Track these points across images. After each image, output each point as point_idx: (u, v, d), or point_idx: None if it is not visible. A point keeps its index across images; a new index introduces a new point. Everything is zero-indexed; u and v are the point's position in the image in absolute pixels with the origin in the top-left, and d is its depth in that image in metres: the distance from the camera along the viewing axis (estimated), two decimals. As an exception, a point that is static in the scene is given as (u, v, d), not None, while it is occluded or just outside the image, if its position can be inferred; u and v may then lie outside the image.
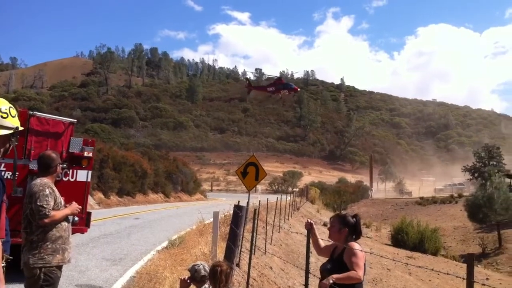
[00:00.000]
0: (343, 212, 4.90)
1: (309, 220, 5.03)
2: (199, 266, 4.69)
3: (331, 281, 4.16)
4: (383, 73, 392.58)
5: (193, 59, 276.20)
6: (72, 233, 5.39)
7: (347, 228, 4.61)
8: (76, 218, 5.38)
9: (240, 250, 9.54)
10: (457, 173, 79.72)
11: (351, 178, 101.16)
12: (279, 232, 18.21)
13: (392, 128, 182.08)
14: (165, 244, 12.79)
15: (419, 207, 54.70)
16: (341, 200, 58.12)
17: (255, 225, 10.40)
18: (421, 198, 58.97)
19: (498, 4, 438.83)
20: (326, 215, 35.20)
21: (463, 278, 3.19)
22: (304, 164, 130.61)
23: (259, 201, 16.47)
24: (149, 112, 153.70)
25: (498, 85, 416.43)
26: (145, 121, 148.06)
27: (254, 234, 9.74)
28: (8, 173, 7.28)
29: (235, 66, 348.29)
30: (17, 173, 7.54)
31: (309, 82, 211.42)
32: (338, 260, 4.49)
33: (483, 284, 5.13)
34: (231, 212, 8.62)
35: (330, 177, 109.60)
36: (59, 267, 4.82)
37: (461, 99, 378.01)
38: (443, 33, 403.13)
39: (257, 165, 12.61)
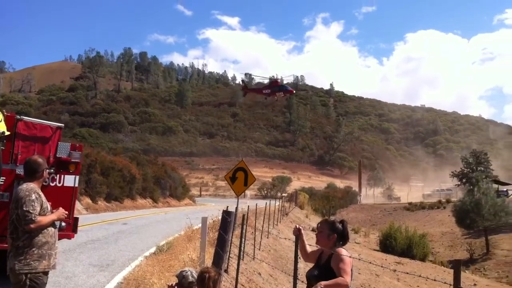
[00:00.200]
0: (331, 218, 4.89)
1: (297, 226, 5.02)
2: (186, 272, 4.67)
3: (320, 288, 4.15)
4: (372, 79, 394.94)
5: (182, 64, 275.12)
6: (59, 239, 5.36)
7: (336, 234, 4.61)
8: (63, 224, 5.35)
9: (229, 256, 9.51)
10: (445, 179, 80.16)
11: (340, 183, 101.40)
12: (267, 237, 18.19)
13: (381, 133, 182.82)
14: (153, 250, 12.73)
15: (407, 212, 54.96)
16: (330, 205, 58.22)
17: (244, 231, 10.39)
18: (410, 203, 59.28)
19: (486, 10, 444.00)
20: (315, 221, 35.21)
21: (450, 284, 3.20)
22: (293, 169, 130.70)
23: (248, 206, 16.46)
24: (138, 116, 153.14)
25: (486, 91, 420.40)
26: (133, 126, 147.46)
27: (243, 239, 9.72)
28: (-6, 178, 7.21)
29: (225, 70, 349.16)
30: (4, 178, 7.47)
31: (298, 87, 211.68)
32: (325, 266, 4.48)
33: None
34: (220, 217, 8.60)
35: (319, 182, 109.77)
36: (46, 273, 4.79)
37: (449, 105, 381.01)
38: (432, 39, 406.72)
39: (246, 170, 12.60)
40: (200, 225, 11.40)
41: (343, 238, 4.65)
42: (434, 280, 4.41)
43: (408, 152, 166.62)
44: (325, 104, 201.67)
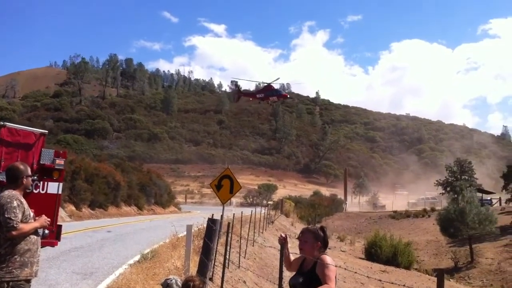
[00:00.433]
0: (313, 227, 4.90)
1: (282, 235, 5.02)
2: (171, 281, 4.64)
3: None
4: (358, 87, 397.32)
5: (168, 71, 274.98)
6: (42, 246, 5.30)
7: (320, 242, 4.63)
8: (46, 231, 5.30)
9: (214, 264, 9.47)
10: (430, 187, 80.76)
11: (325, 191, 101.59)
12: (253, 245, 18.15)
13: (366, 141, 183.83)
14: (137, 258, 12.61)
15: (392, 220, 55.17)
16: (316, 213, 58.28)
17: (229, 239, 10.35)
18: (395, 212, 59.51)
19: (470, 21, 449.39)
20: (300, 228, 35.20)
21: (434, 293, 3.20)
22: (279, 177, 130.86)
23: (233, 214, 16.40)
24: (123, 123, 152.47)
25: (470, 100, 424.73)
26: (119, 133, 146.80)
27: (228, 248, 9.68)
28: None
29: (211, 78, 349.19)
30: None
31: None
32: (310, 273, 4.47)
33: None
34: (205, 225, 8.56)
35: (305, 190, 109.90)
36: (28, 281, 4.73)
37: (434, 114, 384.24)
38: (417, 49, 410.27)
39: (231, 178, 12.58)
40: (185, 233, 11.34)
41: (324, 244, 4.68)
42: (419, 289, 4.43)
43: (393, 160, 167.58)
44: (311, 112, 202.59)
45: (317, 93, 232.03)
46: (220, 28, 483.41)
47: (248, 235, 17.61)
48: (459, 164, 66.74)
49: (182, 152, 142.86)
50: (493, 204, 55.58)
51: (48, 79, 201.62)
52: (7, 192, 4.72)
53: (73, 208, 29.91)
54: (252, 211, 20.59)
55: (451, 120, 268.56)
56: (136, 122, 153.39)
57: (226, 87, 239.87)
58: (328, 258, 4.47)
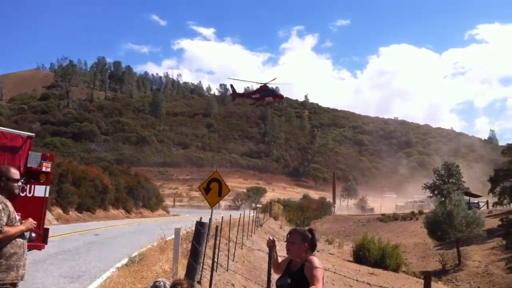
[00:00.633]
0: (301, 228, 4.92)
1: (271, 238, 5.02)
2: (159, 283, 4.62)
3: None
4: (346, 91, 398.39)
5: (157, 74, 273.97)
6: (29, 250, 5.25)
7: (307, 243, 4.64)
8: (33, 235, 5.25)
9: (202, 267, 9.44)
10: (418, 190, 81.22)
11: (314, 194, 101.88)
12: (241, 248, 18.13)
13: (355, 145, 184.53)
14: (125, 261, 12.53)
15: (380, 223, 55.41)
16: (304, 216, 58.36)
17: (218, 242, 10.33)
18: (383, 214, 59.79)
19: (457, 26, 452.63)
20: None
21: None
22: (268, 180, 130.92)
23: (222, 217, 16.40)
24: (111, 126, 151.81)
25: (457, 105, 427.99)
26: (106, 136, 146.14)
27: (216, 251, 9.67)
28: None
29: (200, 81, 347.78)
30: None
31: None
32: (299, 274, 4.49)
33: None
34: (193, 228, 8.54)
35: (294, 193, 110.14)
36: (14, 285, 4.68)
37: (422, 118, 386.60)
38: (405, 53, 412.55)
39: (220, 181, 12.56)
40: (173, 236, 11.30)
41: (312, 246, 4.69)
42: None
43: (381, 164, 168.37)
44: (299, 115, 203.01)
45: (305, 96, 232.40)
46: (208, 32, 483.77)
47: (236, 238, 17.59)
48: (446, 168, 67.27)
49: (170, 155, 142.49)
50: (481, 207, 56.03)
51: (36, 82, 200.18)
52: (-10, 196, 4.67)
53: (60, 211, 29.72)
54: (240, 214, 20.58)
55: (438, 124, 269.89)
56: (124, 125, 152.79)
57: (215, 90, 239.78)
58: (316, 260, 4.49)
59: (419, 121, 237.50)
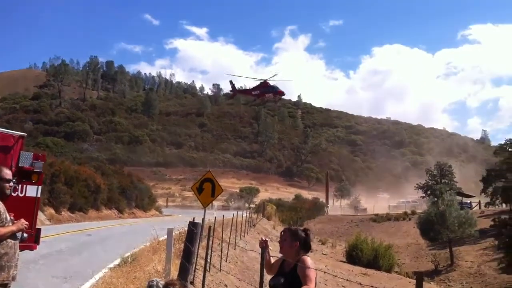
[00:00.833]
0: (293, 226, 4.91)
1: (263, 238, 5.01)
2: (152, 282, 4.62)
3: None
4: (339, 91, 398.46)
5: (149, 73, 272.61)
6: (21, 250, 5.22)
7: (298, 242, 4.63)
8: (25, 235, 5.23)
9: (195, 268, 9.42)
10: (411, 190, 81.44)
11: (307, 194, 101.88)
12: (234, 249, 18.12)
13: (348, 145, 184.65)
14: (117, 261, 12.50)
15: (373, 223, 55.56)
16: (298, 216, 58.40)
17: (210, 242, 10.32)
18: (376, 215, 59.94)
19: (450, 26, 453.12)
20: (282, 232, 35.18)
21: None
22: (261, 180, 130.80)
23: (215, 217, 16.35)
24: (103, 126, 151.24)
25: (450, 105, 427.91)
26: (99, 135, 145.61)
27: (209, 251, 9.65)
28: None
29: (193, 81, 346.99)
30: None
31: (266, 98, 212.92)
32: (292, 274, 4.49)
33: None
34: (186, 228, 8.53)
35: (287, 193, 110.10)
36: (5, 285, 4.66)
37: (415, 118, 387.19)
38: (398, 53, 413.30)
39: (213, 181, 12.54)
40: (165, 236, 11.28)
41: (305, 246, 4.68)
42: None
43: (374, 164, 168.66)
44: (293, 115, 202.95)
45: (299, 96, 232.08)
46: (201, 31, 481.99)
47: (229, 238, 17.58)
48: (439, 168, 67.48)
49: (163, 155, 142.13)
50: (473, 208, 56.29)
51: (28, 81, 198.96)
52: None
53: (53, 211, 29.61)
54: (233, 214, 20.57)
55: (431, 124, 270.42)
56: (117, 125, 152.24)
57: (208, 90, 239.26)
58: (308, 260, 4.50)
59: (412, 121, 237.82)
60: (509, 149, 52.92)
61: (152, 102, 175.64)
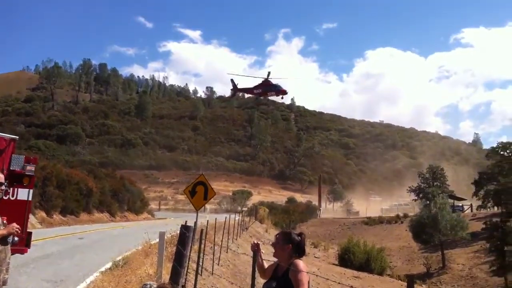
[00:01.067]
0: (287, 230, 4.92)
1: (255, 242, 5.01)
2: (146, 286, 4.61)
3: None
4: (333, 94, 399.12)
5: (143, 76, 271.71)
6: (12, 254, 5.21)
7: (291, 245, 4.63)
8: (16, 238, 5.20)
9: (187, 271, 9.41)
10: (403, 193, 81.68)
11: (300, 197, 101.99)
12: (227, 252, 18.09)
13: (340, 148, 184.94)
14: (109, 265, 12.46)
15: (366, 227, 55.67)
16: (290, 219, 58.44)
17: (203, 246, 10.30)
18: (368, 218, 60.05)
19: (443, 30, 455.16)
20: (274, 235, 35.21)
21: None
22: (254, 183, 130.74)
23: (207, 220, 16.33)
24: (96, 129, 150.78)
25: (442, 108, 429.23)
26: (91, 138, 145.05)
27: (201, 255, 9.64)
28: None
29: (186, 84, 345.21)
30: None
31: (259, 102, 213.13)
32: (284, 278, 4.48)
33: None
34: (178, 232, 8.52)
35: (280, 196, 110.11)
36: (-5, 290, 4.64)
37: (407, 121, 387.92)
38: (391, 57, 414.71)
39: (206, 185, 12.55)
40: (157, 239, 11.26)
41: (299, 250, 4.67)
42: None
43: (367, 167, 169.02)
44: (286, 118, 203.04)
45: (292, 99, 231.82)
46: (195, 34, 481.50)
47: (222, 241, 17.56)
48: (431, 171, 67.74)
49: (156, 158, 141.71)
50: (465, 211, 56.52)
51: (20, 84, 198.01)
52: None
53: (44, 214, 29.45)
54: (226, 217, 20.55)
55: (424, 127, 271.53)
56: (110, 128, 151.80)
57: (201, 93, 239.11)
58: (301, 263, 4.49)
59: (405, 124, 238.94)
60: (501, 152, 53.20)
61: (145, 105, 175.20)
